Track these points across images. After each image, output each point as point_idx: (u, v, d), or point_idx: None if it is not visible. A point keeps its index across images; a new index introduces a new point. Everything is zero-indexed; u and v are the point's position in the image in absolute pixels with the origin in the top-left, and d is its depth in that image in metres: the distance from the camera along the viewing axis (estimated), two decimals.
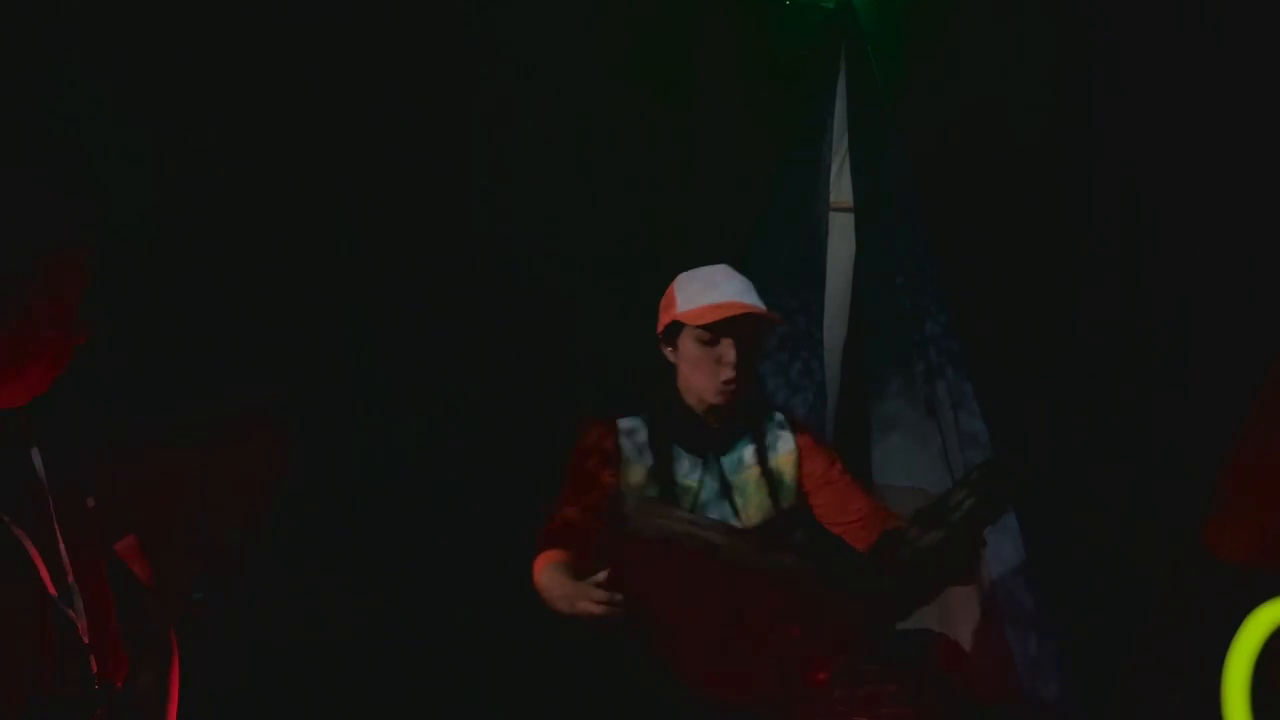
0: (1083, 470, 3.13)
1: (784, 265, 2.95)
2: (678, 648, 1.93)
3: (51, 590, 1.11)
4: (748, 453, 2.20)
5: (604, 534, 2.06)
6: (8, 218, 1.10)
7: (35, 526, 1.12)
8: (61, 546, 1.15)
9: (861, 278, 2.98)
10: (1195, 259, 3.00)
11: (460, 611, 2.95)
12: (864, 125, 2.90)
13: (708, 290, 2.13)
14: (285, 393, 2.89)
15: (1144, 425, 3.12)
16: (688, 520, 1.92)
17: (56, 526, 1.15)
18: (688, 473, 2.17)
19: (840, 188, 3.08)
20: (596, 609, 1.87)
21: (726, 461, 2.19)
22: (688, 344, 2.13)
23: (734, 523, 2.12)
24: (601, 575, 1.89)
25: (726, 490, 2.17)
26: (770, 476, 2.20)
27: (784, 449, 2.22)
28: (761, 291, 2.14)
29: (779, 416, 2.28)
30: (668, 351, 2.19)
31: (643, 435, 2.19)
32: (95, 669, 1.15)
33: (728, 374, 2.10)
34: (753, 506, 2.16)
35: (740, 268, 2.19)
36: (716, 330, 2.09)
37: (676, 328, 2.15)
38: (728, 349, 2.09)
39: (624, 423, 2.20)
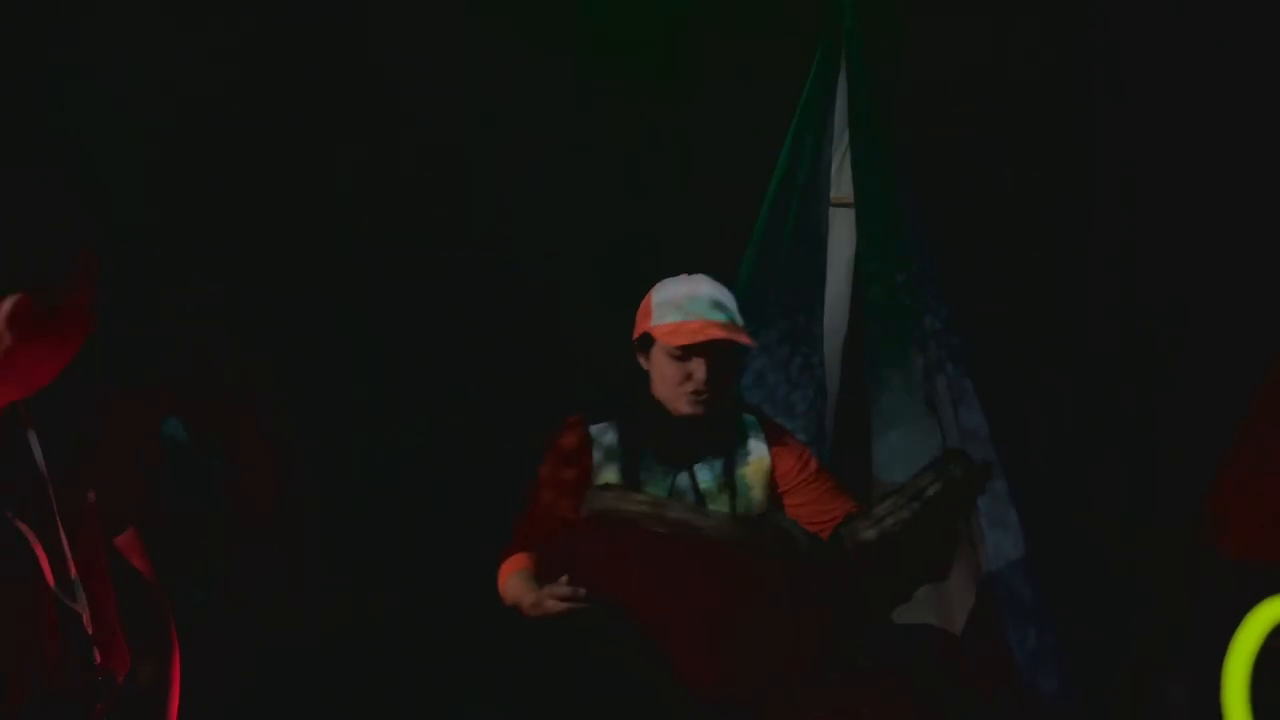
0: (1083, 465, 3.13)
1: (784, 261, 2.94)
2: (654, 635, 1.94)
3: (54, 583, 1.12)
4: (719, 461, 2.20)
5: (566, 530, 2.06)
6: (47, 212, 1.10)
7: (38, 520, 1.12)
8: (64, 540, 1.15)
9: (862, 273, 2.98)
10: (1197, 254, 3.00)
11: (460, 611, 2.95)
12: (865, 120, 2.90)
13: (681, 305, 2.11)
14: (285, 393, 2.89)
15: (1145, 420, 3.13)
16: (647, 501, 1.92)
17: (58, 520, 1.16)
18: (658, 479, 2.17)
19: (841, 183, 3.08)
20: (560, 607, 1.89)
21: (698, 469, 2.19)
22: (659, 357, 2.13)
23: None
24: (563, 580, 1.91)
25: (699, 497, 2.17)
26: (742, 483, 2.20)
27: (756, 454, 2.22)
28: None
29: (751, 419, 2.28)
30: (641, 359, 2.19)
31: (614, 440, 2.18)
32: (99, 660, 1.16)
33: (697, 389, 2.10)
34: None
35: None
36: (687, 349, 2.08)
37: (649, 338, 2.15)
38: (698, 366, 2.09)
39: (596, 427, 2.19)
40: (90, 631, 1.15)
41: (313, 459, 2.93)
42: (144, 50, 2.91)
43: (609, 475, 2.15)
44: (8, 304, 1.02)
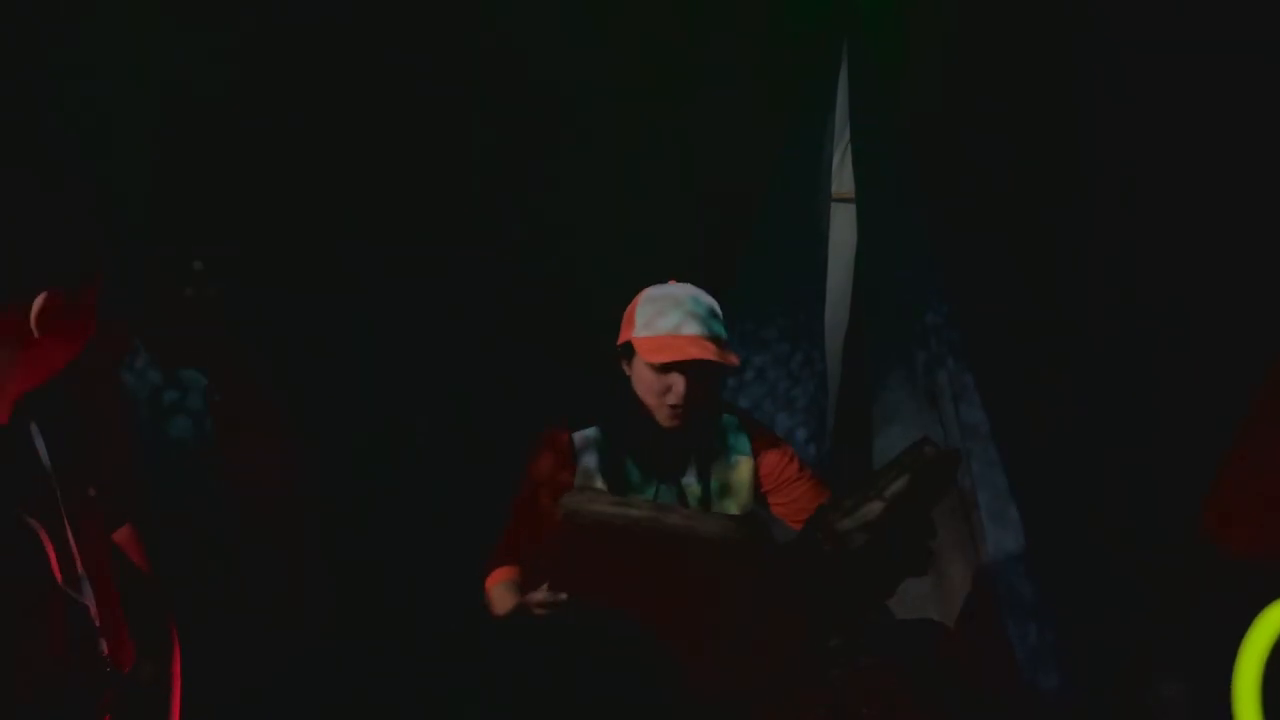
0: (1084, 462, 3.13)
1: (785, 256, 2.95)
2: (636, 635, 1.93)
3: (61, 577, 1.13)
4: (703, 466, 2.20)
5: (548, 534, 2.06)
6: (54, 211, 1.13)
7: (44, 515, 1.13)
8: (69, 534, 1.16)
9: (863, 269, 2.98)
10: (1197, 254, 3.00)
11: (460, 611, 2.95)
12: (866, 116, 2.90)
13: (664, 319, 2.10)
14: (284, 392, 2.88)
15: (1147, 416, 3.13)
16: (617, 500, 1.92)
17: (63, 514, 1.17)
18: (641, 485, 2.17)
19: (842, 178, 3.08)
20: (541, 612, 1.90)
21: (682, 474, 2.19)
22: (640, 367, 2.13)
23: None
24: (544, 587, 1.92)
25: (683, 502, 2.17)
26: (727, 486, 2.20)
27: (739, 458, 2.22)
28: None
29: (733, 421, 2.27)
30: (624, 365, 2.19)
31: (598, 446, 2.18)
32: (106, 652, 1.17)
33: (676, 403, 2.09)
34: None
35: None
36: (666, 365, 2.08)
37: (632, 347, 2.14)
38: (677, 381, 2.08)
39: (580, 435, 2.19)
40: (97, 624, 1.16)
41: (312, 459, 2.93)
42: (144, 50, 2.91)
43: (592, 480, 2.16)
44: (38, 301, 1.08)
